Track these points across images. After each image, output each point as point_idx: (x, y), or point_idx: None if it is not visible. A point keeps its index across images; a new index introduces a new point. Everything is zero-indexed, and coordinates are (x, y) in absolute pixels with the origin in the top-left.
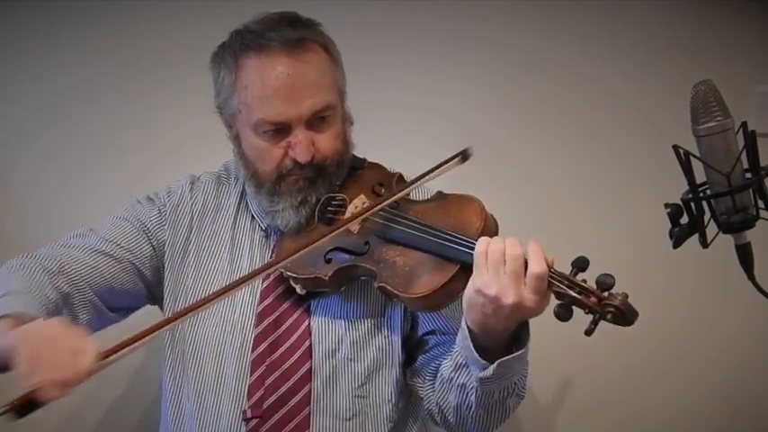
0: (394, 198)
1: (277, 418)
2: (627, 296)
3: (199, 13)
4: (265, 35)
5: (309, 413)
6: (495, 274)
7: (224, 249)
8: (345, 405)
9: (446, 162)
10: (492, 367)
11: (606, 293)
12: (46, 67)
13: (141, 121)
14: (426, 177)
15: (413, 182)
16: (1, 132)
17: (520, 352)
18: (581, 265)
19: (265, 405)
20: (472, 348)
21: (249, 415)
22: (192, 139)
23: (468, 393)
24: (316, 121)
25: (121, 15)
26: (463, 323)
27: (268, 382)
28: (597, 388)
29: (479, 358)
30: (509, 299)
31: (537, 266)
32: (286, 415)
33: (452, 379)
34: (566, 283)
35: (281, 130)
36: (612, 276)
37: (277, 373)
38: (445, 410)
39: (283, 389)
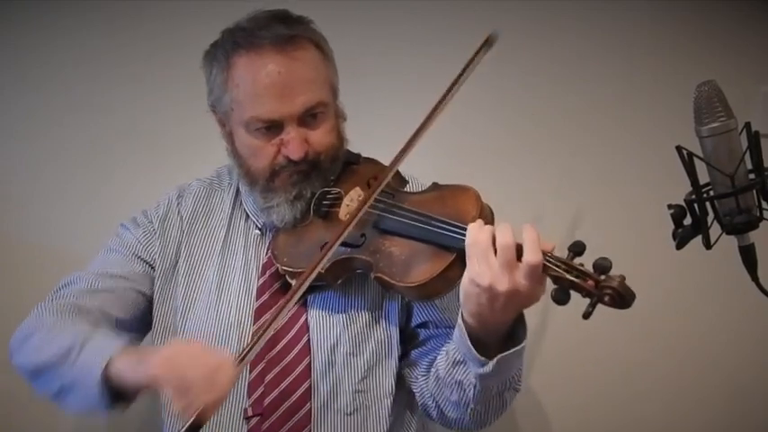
0: (400, 160)
1: (278, 414)
2: (624, 278)
3: (199, 13)
4: (256, 33)
5: (310, 409)
6: (486, 263)
7: (215, 253)
8: (346, 400)
9: (475, 55)
10: (491, 364)
11: (603, 276)
12: (46, 67)
13: (141, 122)
14: (460, 79)
15: (446, 93)
16: (1, 132)
17: (519, 347)
18: (577, 249)
19: (266, 402)
20: (470, 345)
21: (250, 413)
22: (192, 141)
23: (465, 390)
24: (308, 118)
25: (122, 16)
26: (459, 320)
27: (268, 378)
28: (600, 388)
29: (478, 355)
30: (503, 286)
31: (531, 256)
32: (287, 411)
33: (449, 375)
34: (563, 267)
35: (273, 128)
36: (609, 260)
37: (277, 370)
38: (443, 406)
39: (283, 385)
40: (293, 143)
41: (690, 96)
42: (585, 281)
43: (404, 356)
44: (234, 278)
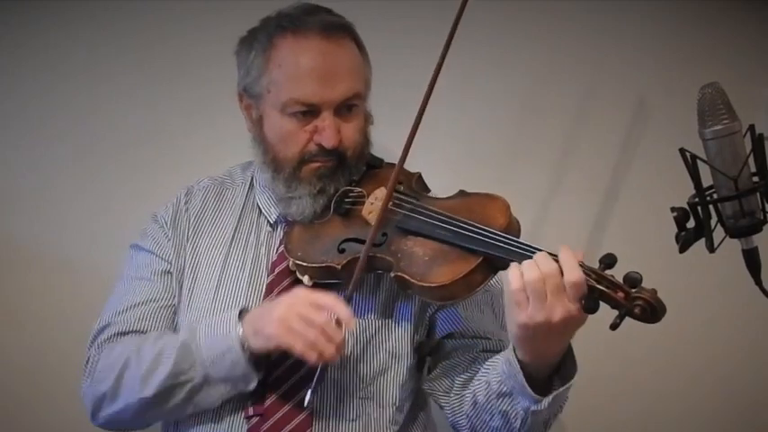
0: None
1: (278, 416)
2: (655, 291)
3: (199, 13)
4: (302, 18)
5: (312, 413)
6: (539, 302)
7: (222, 248)
8: (349, 406)
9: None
10: (546, 401)
11: (634, 289)
12: (47, 67)
13: (142, 122)
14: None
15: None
16: (1, 132)
17: (571, 383)
18: (609, 261)
19: (267, 403)
20: (525, 384)
21: (251, 413)
22: (194, 141)
23: (510, 420)
24: (343, 108)
25: (123, 16)
26: (512, 357)
27: (270, 379)
28: (605, 389)
29: (534, 394)
30: (558, 315)
31: (573, 274)
32: (288, 413)
33: (490, 404)
34: (594, 276)
35: (309, 113)
36: (640, 273)
37: (280, 370)
38: (479, 428)
39: (286, 386)
40: (328, 130)
41: (694, 98)
42: (616, 292)
43: (426, 369)
44: (242, 274)
